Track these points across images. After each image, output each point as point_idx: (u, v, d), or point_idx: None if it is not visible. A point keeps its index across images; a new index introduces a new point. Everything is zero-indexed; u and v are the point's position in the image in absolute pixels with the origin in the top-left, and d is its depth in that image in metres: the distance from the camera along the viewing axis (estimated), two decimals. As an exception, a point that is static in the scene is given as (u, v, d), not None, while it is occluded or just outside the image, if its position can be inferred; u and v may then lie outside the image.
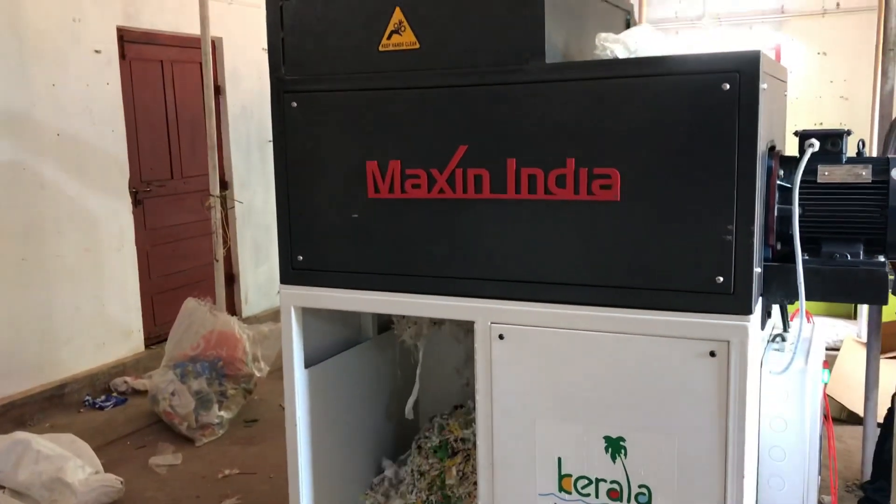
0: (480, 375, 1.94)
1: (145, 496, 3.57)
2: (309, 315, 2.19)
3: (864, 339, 4.31)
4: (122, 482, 3.45)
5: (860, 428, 3.40)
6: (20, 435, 3.51)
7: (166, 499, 3.55)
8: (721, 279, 1.69)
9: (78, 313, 4.83)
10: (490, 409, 1.94)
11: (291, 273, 2.12)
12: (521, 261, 1.86)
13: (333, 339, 2.36)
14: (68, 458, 3.45)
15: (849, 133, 1.87)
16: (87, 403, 4.68)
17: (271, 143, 2.09)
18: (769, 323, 2.01)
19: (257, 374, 4.55)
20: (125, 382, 4.90)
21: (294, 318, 2.15)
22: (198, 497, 3.56)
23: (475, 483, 2.26)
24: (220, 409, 4.32)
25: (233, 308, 6.10)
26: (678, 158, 1.70)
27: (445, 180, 1.90)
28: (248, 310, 6.32)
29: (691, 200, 1.70)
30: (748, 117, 1.63)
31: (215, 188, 4.84)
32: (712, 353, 1.71)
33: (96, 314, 4.97)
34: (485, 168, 1.86)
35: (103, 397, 4.76)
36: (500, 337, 1.90)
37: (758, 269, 1.73)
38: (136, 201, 5.32)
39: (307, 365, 2.21)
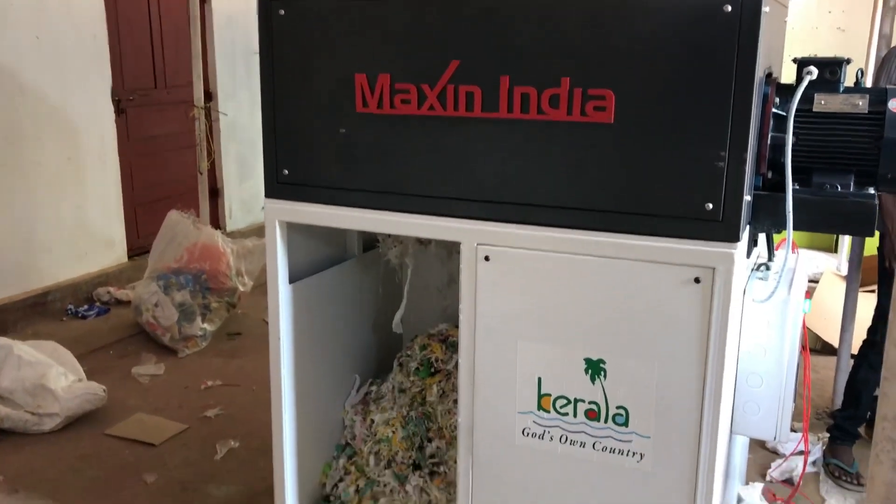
0: (465, 296, 1.94)
1: (128, 404, 3.61)
2: (294, 231, 2.17)
3: (844, 273, 4.36)
4: (104, 390, 3.48)
5: (833, 359, 3.47)
6: (2, 341, 3.50)
7: (149, 407, 3.58)
8: (710, 206, 1.68)
9: (59, 222, 4.78)
10: (473, 328, 1.94)
11: (276, 187, 2.09)
12: (510, 182, 1.84)
13: (318, 255, 2.35)
14: (51, 365, 3.46)
15: (848, 62, 1.83)
16: (69, 312, 4.68)
17: (258, 55, 2.03)
18: (754, 252, 2.01)
19: (241, 288, 4.55)
20: (108, 293, 4.90)
21: (278, 233, 2.13)
22: (180, 407, 3.60)
23: (455, 401, 2.29)
24: (203, 322, 4.34)
25: (217, 222, 6.06)
26: (674, 81, 1.66)
27: (436, 97, 1.85)
28: (231, 224, 6.29)
29: (685, 125, 1.67)
30: (748, 42, 1.59)
31: (199, 99, 4.75)
32: (697, 280, 1.72)
33: (78, 224, 4.93)
34: (477, 85, 1.81)
35: (86, 307, 4.76)
36: (486, 258, 1.89)
37: (747, 198, 1.72)
38: (119, 110, 5.22)
39: (291, 280, 2.20)
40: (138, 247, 5.38)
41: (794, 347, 1.93)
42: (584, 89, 1.73)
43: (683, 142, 1.68)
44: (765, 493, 2.67)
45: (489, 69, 1.80)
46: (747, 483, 2.72)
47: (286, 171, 2.07)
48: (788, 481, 2.92)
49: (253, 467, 3.06)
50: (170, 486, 2.93)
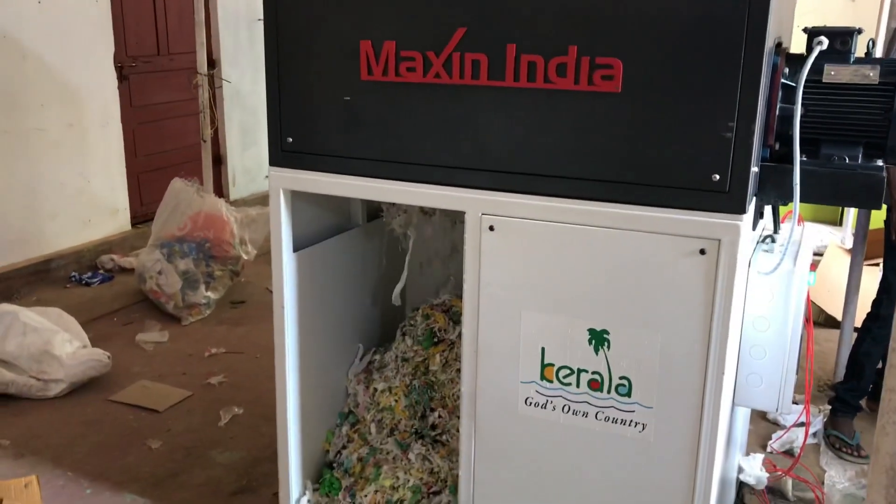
0: (469, 266, 1.93)
1: (132, 371, 3.62)
2: (298, 199, 2.16)
3: (848, 246, 4.35)
4: (109, 357, 3.49)
5: (836, 331, 3.47)
6: (7, 307, 3.52)
7: (153, 374, 3.60)
8: (717, 177, 1.66)
9: (63, 189, 4.78)
10: (477, 298, 1.94)
11: (280, 155, 2.08)
12: (516, 152, 1.83)
13: (322, 224, 2.35)
14: (56, 331, 3.47)
15: (859, 32, 1.81)
16: (73, 279, 4.69)
17: (261, 22, 2.01)
18: (760, 224, 2.00)
19: (244, 256, 4.55)
20: (112, 260, 4.90)
21: (283, 201, 2.13)
22: (184, 374, 3.62)
23: (458, 370, 2.30)
24: (206, 290, 4.34)
25: (220, 190, 6.05)
26: (683, 51, 1.64)
27: (442, 64, 1.84)
28: (234, 193, 6.28)
29: (693, 95, 1.65)
30: (759, 10, 1.57)
31: (203, 66, 4.71)
32: (702, 251, 1.71)
33: (81, 191, 4.92)
34: (483, 53, 1.80)
35: (89, 274, 4.76)
36: (491, 228, 1.89)
37: (755, 169, 1.71)
38: (122, 77, 5.18)
39: (296, 249, 2.20)
40: (142, 214, 5.37)
41: (797, 320, 1.93)
42: (591, 58, 1.71)
43: (691, 112, 1.66)
44: (765, 463, 2.69)
45: (496, 37, 1.78)
46: (748, 454, 2.74)
47: (290, 140, 2.05)
48: (789, 452, 2.93)
49: (256, 433, 3.08)
50: (174, 452, 2.95)
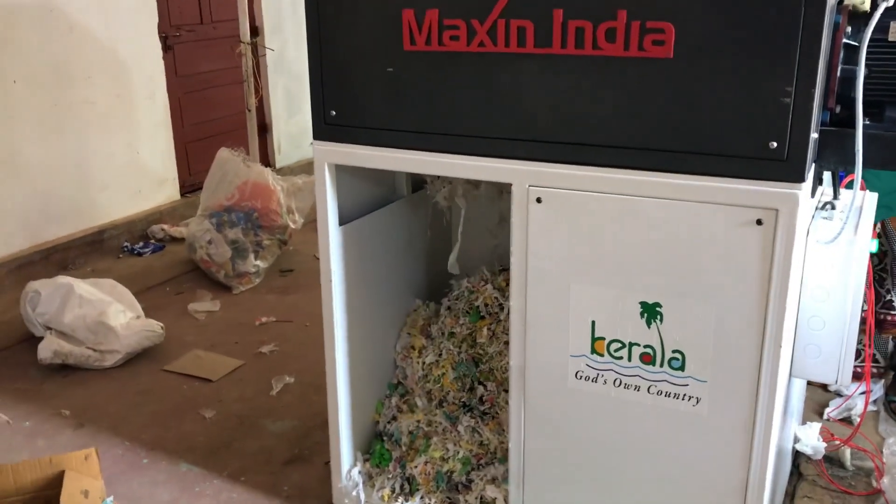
0: (516, 239, 1.90)
1: (185, 340, 3.69)
2: (342, 172, 2.15)
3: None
4: (162, 327, 3.56)
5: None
6: (63, 279, 3.60)
7: (205, 343, 3.66)
8: (775, 144, 1.60)
9: (112, 160, 4.84)
10: (525, 271, 1.91)
11: (324, 128, 2.06)
12: (564, 121, 1.78)
13: (367, 196, 2.33)
14: (110, 302, 3.54)
15: (929, -14, 1.70)
16: (125, 249, 4.77)
17: (303, -12, 1.98)
18: (819, 190, 1.93)
19: (292, 225, 4.58)
20: (162, 230, 4.96)
21: (327, 176, 2.11)
22: (236, 343, 3.67)
23: (506, 343, 2.28)
24: (256, 259, 4.38)
25: (266, 158, 6.07)
26: (738, 11, 1.57)
27: (486, 32, 1.79)
28: (280, 160, 6.30)
29: (749, 59, 1.58)
30: (820, -33, 1.49)
31: (245, 34, 4.69)
32: (759, 222, 1.65)
33: (130, 161, 4.98)
34: (529, 19, 1.74)
35: (141, 244, 4.84)
36: (538, 200, 1.85)
37: (814, 135, 1.64)
38: (166, 47, 5.20)
39: (342, 222, 2.19)
40: (190, 184, 5.43)
41: (858, 290, 1.86)
42: (642, 22, 1.65)
43: (747, 77, 1.59)
44: (822, 432, 2.63)
45: (542, 2, 1.72)
46: (804, 422, 2.68)
47: (333, 113, 2.03)
48: (847, 420, 2.86)
49: (307, 402, 3.11)
50: (228, 421, 3.01)
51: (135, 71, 4.94)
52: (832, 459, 2.60)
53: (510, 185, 1.87)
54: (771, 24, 1.55)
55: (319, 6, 1.97)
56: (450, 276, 2.57)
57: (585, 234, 1.83)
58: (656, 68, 1.66)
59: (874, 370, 3.00)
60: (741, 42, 1.58)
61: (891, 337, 2.97)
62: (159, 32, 5.09)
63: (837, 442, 2.61)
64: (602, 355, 1.90)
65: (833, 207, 1.95)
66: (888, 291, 2.86)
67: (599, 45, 1.69)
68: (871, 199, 2.08)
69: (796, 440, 2.52)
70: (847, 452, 2.60)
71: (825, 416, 2.91)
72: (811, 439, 2.53)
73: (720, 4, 1.58)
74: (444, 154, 1.94)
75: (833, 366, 1.91)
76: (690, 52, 1.62)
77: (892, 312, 2.89)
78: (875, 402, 2.97)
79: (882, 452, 2.68)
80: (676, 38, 1.62)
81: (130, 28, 4.86)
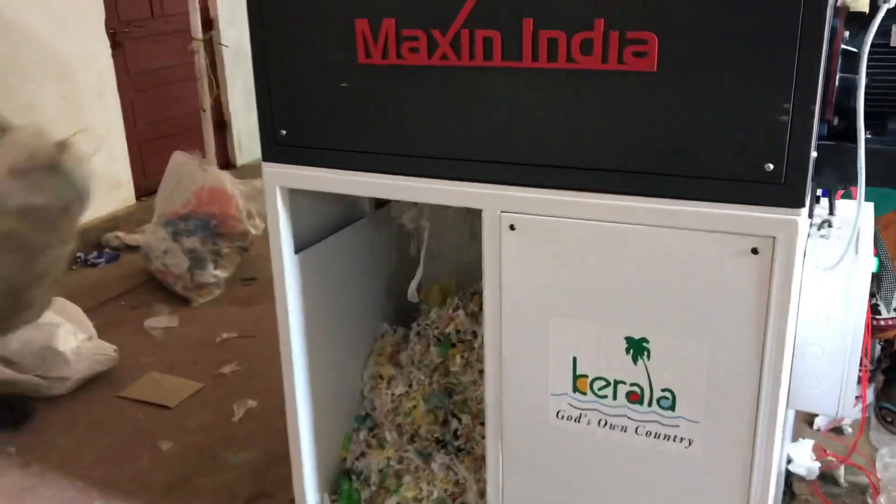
0: (488, 269, 1.73)
1: (141, 362, 3.48)
2: (297, 193, 1.96)
3: None
4: (115, 350, 3.35)
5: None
6: (8, 301, 3.37)
7: (162, 364, 3.46)
8: (771, 167, 1.44)
9: (62, 166, 4.58)
10: (499, 303, 1.75)
11: (274, 149, 1.88)
12: (538, 141, 1.61)
13: (325, 216, 2.14)
14: (59, 324, 3.32)
15: (934, -15, 1.55)
16: (78, 260, 4.52)
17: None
18: (816, 208, 1.78)
19: (252, 231, 4.37)
20: (117, 238, 4.72)
21: (280, 201, 1.92)
22: (195, 363, 3.47)
23: (481, 371, 2.12)
24: (215, 269, 4.18)
25: (226, 155, 5.86)
26: (729, 19, 1.40)
27: (449, 44, 1.60)
28: (242, 157, 6.07)
29: (741, 72, 1.42)
30: (819, -33, 1.33)
31: (197, 30, 4.45)
32: (754, 251, 1.50)
33: (83, 169, 4.72)
34: (496, 29, 1.56)
35: (95, 253, 4.60)
36: (512, 227, 1.68)
37: (814, 154, 1.48)
38: (115, 43, 4.94)
39: (298, 249, 2.00)
40: (146, 187, 5.18)
41: (860, 315, 1.72)
42: (621, 32, 1.47)
43: (739, 92, 1.43)
44: (815, 449, 2.51)
45: (509, 10, 1.54)
46: (796, 439, 2.56)
47: (284, 132, 1.84)
48: (837, 430, 2.75)
49: (272, 428, 2.93)
50: (186, 453, 2.82)
51: (82, 71, 4.68)
52: (825, 476, 2.49)
53: (481, 211, 1.70)
54: (765, 34, 1.38)
55: (263, 15, 1.78)
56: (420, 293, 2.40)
57: (564, 264, 1.67)
58: (638, 83, 1.49)
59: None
60: (732, 53, 1.42)
61: (878, 341, 2.85)
62: (107, 28, 4.84)
63: (831, 459, 2.49)
64: (585, 394, 1.74)
65: (830, 225, 1.81)
66: (873, 295, 2.75)
67: (574, 58, 1.52)
68: (869, 211, 1.94)
69: (789, 460, 2.40)
70: (841, 469, 2.48)
71: (815, 425, 2.79)
72: (804, 459, 2.41)
73: (708, 11, 1.42)
74: (407, 177, 1.76)
75: (833, 397, 1.76)
76: (676, 66, 1.46)
77: (879, 317, 2.77)
78: (868, 407, 2.85)
79: (875, 466, 2.57)
80: (660, 49, 1.45)
81: (75, 25, 4.60)
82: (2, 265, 2.52)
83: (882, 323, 2.68)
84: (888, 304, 2.53)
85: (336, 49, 1.71)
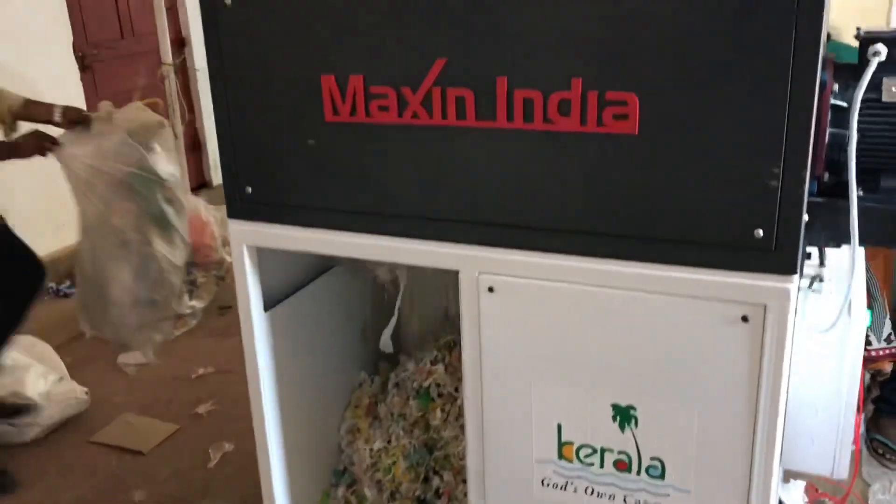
0: (467, 331, 1.65)
1: (113, 402, 3.37)
2: (265, 249, 1.87)
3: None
4: (86, 392, 3.25)
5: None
6: (-26, 343, 3.25)
7: (136, 404, 3.35)
8: (761, 233, 1.37)
9: (31, 193, 4.46)
10: (479, 369, 1.67)
11: (240, 207, 1.79)
12: (516, 202, 1.53)
13: (297, 268, 2.06)
14: (28, 365, 3.22)
15: (926, 37, 1.48)
16: (50, 291, 4.40)
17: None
18: (806, 265, 1.72)
19: (228, 258, 4.25)
20: (90, 266, 4.60)
21: (247, 258, 1.84)
22: (170, 402, 3.37)
23: (462, 426, 2.04)
24: (191, 299, 4.05)
25: (202, 177, 5.74)
26: (714, 80, 1.33)
27: (420, 102, 1.52)
28: (217, 177, 5.93)
29: (728, 135, 1.35)
30: (811, 17, 1.25)
31: (167, 54, 4.33)
32: (745, 319, 1.43)
33: (52, 193, 4.58)
34: (468, 88, 1.48)
35: (67, 283, 4.48)
36: (490, 290, 1.60)
37: (805, 217, 1.41)
38: (84, 66, 4.82)
39: (268, 307, 1.92)
40: (119, 212, 5.06)
41: (855, 373, 1.66)
42: (600, 92, 1.40)
43: (726, 155, 1.36)
44: (807, 489, 2.44)
45: (483, 68, 1.46)
46: (787, 480, 2.49)
47: (249, 190, 1.76)
48: (828, 464, 2.69)
49: (249, 474, 2.79)
50: None
51: (50, 95, 4.52)
52: (817, 516, 2.43)
53: (457, 272, 1.62)
54: (753, 93, 1.31)
55: (225, 67, 1.69)
56: (398, 343, 2.31)
57: (546, 328, 1.59)
58: (619, 146, 1.41)
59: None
60: (718, 115, 1.35)
61: (869, 371, 2.80)
62: (75, 52, 4.72)
63: (824, 500, 2.43)
64: (571, 461, 1.66)
65: (821, 279, 1.74)
66: None
67: (552, 119, 1.44)
68: (861, 258, 1.87)
69: (781, 505, 2.33)
70: (833, 510, 2.42)
71: (805, 461, 2.72)
72: (796, 501, 2.35)
73: (691, 71, 1.34)
74: (379, 236, 1.67)
75: (828, 457, 1.71)
76: (659, 128, 1.38)
77: (870, 347, 2.71)
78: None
79: (867, 501, 2.51)
80: (641, 111, 1.38)
81: (41, 49, 4.47)
82: (124, 212, 2.76)
83: (873, 353, 2.62)
84: (879, 335, 2.47)
85: (302, 106, 1.63)
